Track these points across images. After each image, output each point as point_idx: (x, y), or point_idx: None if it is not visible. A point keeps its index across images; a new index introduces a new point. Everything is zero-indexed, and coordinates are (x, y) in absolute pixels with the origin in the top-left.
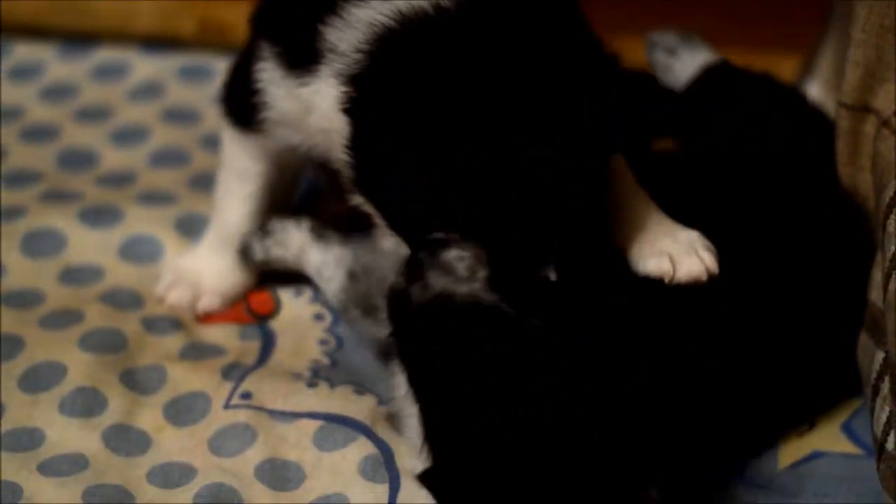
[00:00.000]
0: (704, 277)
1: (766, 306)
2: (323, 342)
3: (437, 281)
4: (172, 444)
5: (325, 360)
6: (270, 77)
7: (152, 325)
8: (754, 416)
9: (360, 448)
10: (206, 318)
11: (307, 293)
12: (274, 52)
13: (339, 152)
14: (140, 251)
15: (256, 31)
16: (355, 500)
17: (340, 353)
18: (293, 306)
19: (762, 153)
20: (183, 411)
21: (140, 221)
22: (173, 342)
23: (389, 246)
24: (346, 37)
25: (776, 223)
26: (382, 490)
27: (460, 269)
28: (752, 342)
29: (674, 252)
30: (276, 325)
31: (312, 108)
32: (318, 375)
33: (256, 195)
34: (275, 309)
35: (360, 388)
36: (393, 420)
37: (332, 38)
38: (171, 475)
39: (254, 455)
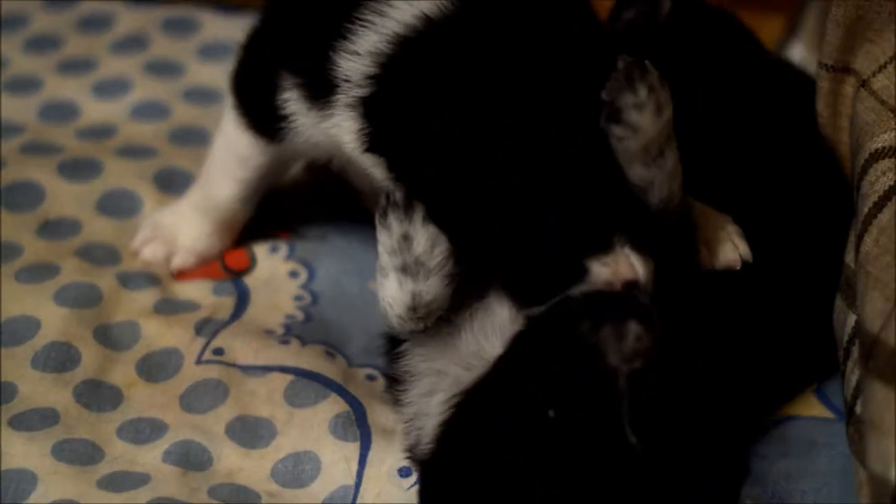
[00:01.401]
0: (739, 266)
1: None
2: (298, 297)
3: (606, 337)
4: (144, 399)
5: (300, 315)
6: (298, 108)
7: (128, 280)
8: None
9: (332, 405)
10: (181, 274)
11: (283, 249)
12: (296, 84)
13: (365, 170)
14: (118, 205)
15: (275, 59)
16: (326, 458)
17: (315, 309)
18: (268, 263)
19: (740, 109)
20: (155, 367)
21: (119, 175)
22: (148, 297)
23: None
24: (356, 66)
25: (754, 184)
26: (353, 448)
27: (629, 345)
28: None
29: (710, 238)
30: (250, 281)
31: (339, 141)
32: (290, 332)
33: (252, 181)
34: (250, 265)
35: (332, 350)
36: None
37: (344, 68)
38: (141, 431)
39: (225, 412)
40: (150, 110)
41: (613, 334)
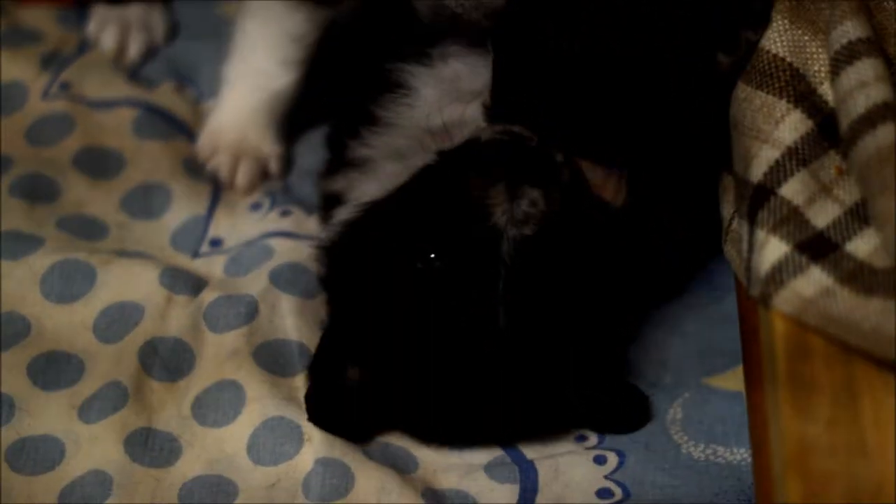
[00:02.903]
0: None
1: None
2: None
3: (496, 195)
4: None
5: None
6: None
7: None
8: None
9: (182, 147)
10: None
11: None
12: None
13: None
14: None
15: None
16: (177, 191)
17: (167, 46)
18: None
19: None
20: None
21: None
22: None
23: None
24: None
25: None
26: (204, 187)
27: (520, 209)
28: None
29: None
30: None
31: None
32: (138, 71)
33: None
34: None
35: (181, 83)
36: None
37: None
38: None
39: (72, 143)
40: None
41: (506, 194)
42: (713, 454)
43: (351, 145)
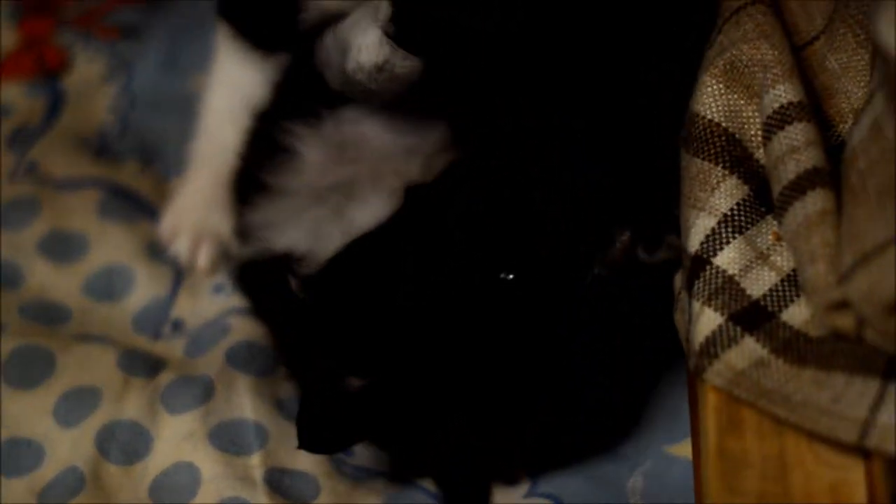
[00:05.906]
0: None
1: None
2: (113, 108)
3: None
4: None
5: (115, 126)
6: None
7: None
8: None
9: (145, 228)
10: None
11: (104, 49)
12: None
13: None
14: None
15: None
16: (140, 274)
17: (132, 116)
18: (87, 64)
19: None
20: None
21: None
22: None
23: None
24: None
25: None
26: (167, 270)
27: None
28: None
29: None
30: (67, 83)
31: None
32: (105, 148)
33: None
34: (66, 65)
35: (147, 160)
36: None
37: None
38: None
39: (38, 228)
40: None
41: (616, 230)
42: None
43: (244, 212)
